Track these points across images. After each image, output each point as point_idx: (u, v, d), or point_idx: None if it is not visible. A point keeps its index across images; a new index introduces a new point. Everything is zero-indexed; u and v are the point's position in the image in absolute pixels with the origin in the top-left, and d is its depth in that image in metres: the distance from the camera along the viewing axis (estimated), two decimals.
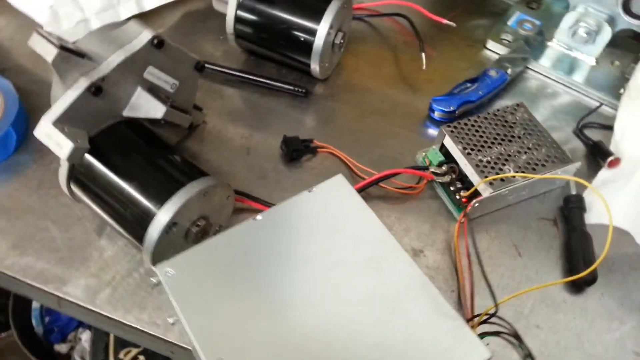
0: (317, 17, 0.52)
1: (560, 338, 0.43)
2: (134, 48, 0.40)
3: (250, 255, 0.35)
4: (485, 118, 0.51)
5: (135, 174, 0.40)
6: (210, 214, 0.42)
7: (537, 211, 0.50)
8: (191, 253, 0.35)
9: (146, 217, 0.38)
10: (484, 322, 0.37)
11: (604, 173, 0.52)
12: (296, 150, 0.51)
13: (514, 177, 0.46)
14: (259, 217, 0.37)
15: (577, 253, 0.46)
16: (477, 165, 0.48)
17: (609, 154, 0.52)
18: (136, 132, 0.43)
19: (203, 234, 0.41)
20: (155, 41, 0.41)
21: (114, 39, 0.41)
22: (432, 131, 0.56)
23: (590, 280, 0.44)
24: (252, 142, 0.53)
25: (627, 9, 0.56)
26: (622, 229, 0.47)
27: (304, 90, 0.56)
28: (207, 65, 0.52)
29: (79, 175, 0.41)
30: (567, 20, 0.60)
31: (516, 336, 0.38)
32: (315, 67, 0.54)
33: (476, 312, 0.42)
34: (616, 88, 0.59)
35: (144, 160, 0.42)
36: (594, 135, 0.56)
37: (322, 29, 0.52)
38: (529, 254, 0.47)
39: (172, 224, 0.38)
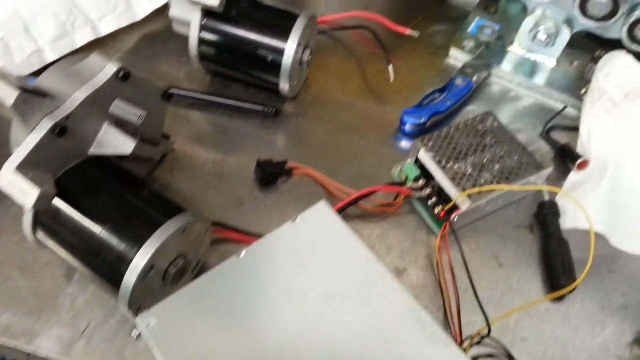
0: (284, 35, 0.51)
1: (547, 348, 0.43)
2: (98, 82, 0.38)
3: (235, 296, 0.34)
4: (457, 129, 0.52)
5: (106, 215, 0.38)
6: (188, 251, 0.40)
7: (512, 219, 0.51)
8: (173, 300, 0.34)
9: (121, 263, 0.36)
10: (477, 343, 0.37)
11: (573, 175, 0.53)
12: (271, 174, 0.50)
13: (492, 190, 0.47)
14: (242, 254, 0.36)
15: (556, 260, 0.47)
16: (454, 178, 0.48)
17: (577, 156, 0.53)
18: (104, 170, 0.41)
19: (182, 273, 0.40)
20: (121, 74, 0.39)
21: (76, 74, 0.39)
22: (405, 143, 0.56)
23: (566, 286, 0.45)
24: (224, 167, 0.52)
25: (584, 10, 0.57)
26: (596, 232, 0.48)
27: (273, 110, 0.55)
28: (172, 91, 0.51)
29: (45, 220, 0.39)
30: (527, 23, 0.61)
31: (510, 357, 0.38)
32: (284, 86, 0.53)
33: (464, 328, 0.42)
34: (577, 89, 0.61)
35: (114, 199, 0.40)
36: (560, 137, 0.58)
37: (290, 47, 0.51)
38: (509, 264, 0.48)
39: (149, 268, 0.36)
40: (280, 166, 0.51)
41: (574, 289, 0.45)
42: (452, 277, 0.45)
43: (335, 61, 0.62)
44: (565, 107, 0.59)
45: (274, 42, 0.51)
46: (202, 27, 0.52)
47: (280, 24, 0.52)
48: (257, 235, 0.46)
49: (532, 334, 0.44)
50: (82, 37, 0.56)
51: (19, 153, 0.35)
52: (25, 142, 0.36)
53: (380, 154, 0.55)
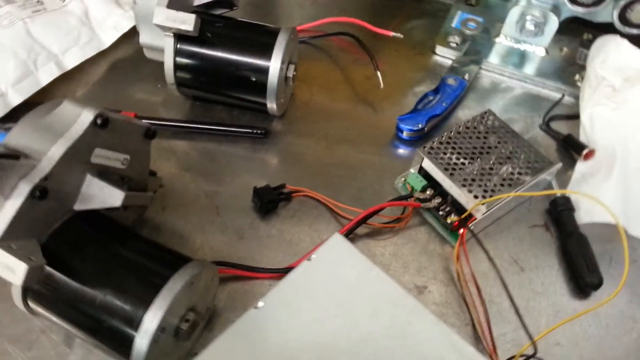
0: (267, 53, 0.48)
1: (582, 351, 0.42)
2: (75, 134, 0.34)
3: (260, 352, 0.31)
4: (459, 132, 0.49)
5: (104, 278, 0.35)
6: (198, 302, 0.37)
7: (526, 218, 0.49)
8: None
9: (129, 328, 0.33)
10: None
11: (580, 166, 0.52)
12: (271, 201, 0.47)
13: (508, 196, 0.44)
14: (260, 304, 0.33)
15: (578, 259, 0.45)
16: (464, 185, 0.45)
17: (583, 146, 0.52)
18: (93, 225, 0.37)
19: (194, 328, 0.36)
20: (99, 121, 0.35)
21: (48, 127, 0.35)
22: (403, 151, 0.54)
23: (597, 284, 0.44)
24: (219, 199, 0.49)
25: None
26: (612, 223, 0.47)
27: (262, 131, 0.52)
28: (152, 122, 0.47)
29: (37, 289, 0.35)
30: (513, 15, 0.59)
31: None
32: (272, 105, 0.50)
33: (497, 342, 0.40)
34: (570, 75, 0.59)
35: (110, 258, 0.36)
36: (559, 127, 0.56)
37: (274, 66, 0.48)
38: (530, 267, 0.46)
39: (160, 330, 0.33)
40: (279, 191, 0.48)
41: (599, 285, 0.43)
42: (477, 289, 0.43)
43: (319, 71, 0.59)
44: (563, 96, 0.58)
45: (257, 62, 0.48)
46: (177, 53, 0.49)
47: (261, 42, 0.48)
48: (265, 270, 0.43)
49: (565, 338, 0.42)
50: (47, 75, 0.52)
51: None
52: (3, 212, 0.32)
53: (379, 165, 0.52)
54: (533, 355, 0.35)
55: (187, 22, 0.45)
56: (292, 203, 0.49)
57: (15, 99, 0.49)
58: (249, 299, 0.42)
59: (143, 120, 0.44)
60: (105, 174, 0.38)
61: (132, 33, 0.59)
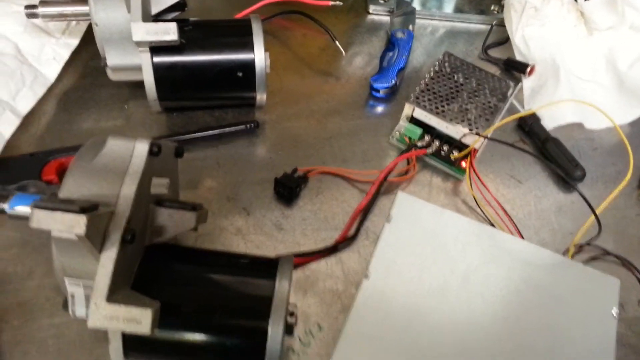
0: (248, 46, 0.48)
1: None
2: (138, 168, 0.33)
3: (391, 312, 0.34)
4: (432, 78, 0.54)
5: (211, 303, 0.34)
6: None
7: (505, 138, 0.56)
8: (345, 345, 0.32)
9: (256, 341, 0.33)
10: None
11: (527, 82, 0.59)
12: (296, 187, 0.48)
13: (501, 124, 0.50)
14: (369, 272, 0.35)
15: (561, 158, 0.53)
16: (458, 123, 0.50)
17: (525, 64, 0.59)
18: (168, 256, 0.36)
19: (296, 320, 0.38)
20: (155, 149, 0.34)
21: (105, 169, 0.33)
22: (381, 109, 0.58)
23: (582, 175, 0.52)
24: (242, 200, 0.49)
25: None
26: (572, 122, 0.56)
27: (255, 124, 0.52)
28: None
29: (136, 340, 0.34)
30: None
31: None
32: (262, 96, 0.51)
33: None
34: (487, 7, 0.67)
35: (207, 283, 0.35)
36: (493, 54, 0.63)
37: (259, 56, 0.48)
38: (525, 177, 0.53)
39: (284, 331, 0.34)
40: (296, 175, 0.49)
41: (583, 176, 0.52)
42: (503, 210, 0.48)
43: (276, 55, 0.60)
44: (492, 26, 0.65)
45: (241, 56, 0.48)
46: (156, 67, 0.47)
47: (238, 35, 0.48)
48: (325, 250, 0.45)
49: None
50: (8, 126, 0.47)
51: (101, 282, 0.30)
52: (101, 267, 0.30)
53: (369, 126, 0.55)
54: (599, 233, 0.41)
55: (170, 31, 0.43)
56: (310, 183, 0.50)
57: None
58: (311, 282, 0.44)
59: None
60: (162, 203, 0.36)
61: (71, 60, 0.54)
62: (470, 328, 0.34)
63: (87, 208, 0.29)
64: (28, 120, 0.50)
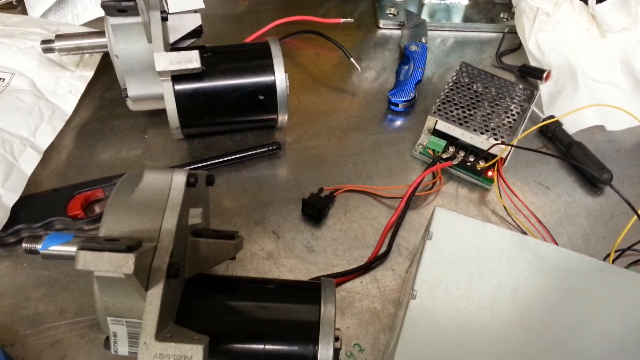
0: (269, 68, 0.48)
1: None
2: (177, 201, 0.32)
3: (441, 333, 0.33)
4: (451, 89, 0.54)
5: (261, 333, 0.33)
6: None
7: (528, 145, 0.55)
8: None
9: None
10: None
11: (544, 88, 0.59)
12: (324, 207, 0.48)
13: (526, 133, 0.50)
14: (415, 292, 0.34)
15: (586, 162, 0.52)
16: (482, 133, 0.50)
17: (542, 70, 0.59)
18: (208, 288, 0.35)
19: (341, 343, 0.37)
20: (192, 180, 0.33)
21: (144, 204, 0.32)
22: (400, 122, 0.57)
23: (610, 178, 0.51)
24: (270, 223, 0.48)
25: None
26: (594, 125, 0.55)
27: (277, 145, 0.52)
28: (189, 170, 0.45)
29: None
30: None
31: None
32: (283, 118, 0.50)
33: None
34: (497, 15, 0.67)
35: (254, 313, 0.34)
36: (506, 61, 0.63)
37: (280, 78, 0.48)
38: (552, 184, 0.52)
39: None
40: (322, 195, 0.49)
41: (610, 179, 0.51)
42: (536, 218, 0.48)
43: (291, 75, 0.59)
44: (505, 34, 0.65)
45: (262, 79, 0.48)
46: (178, 96, 0.46)
47: (258, 58, 0.48)
48: (359, 269, 0.44)
49: None
50: (29, 162, 0.46)
51: (149, 321, 0.29)
52: (148, 305, 0.29)
53: (390, 140, 0.55)
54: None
55: (192, 60, 0.43)
56: (337, 202, 0.50)
57: (10, 199, 0.43)
58: (348, 302, 0.43)
59: None
60: (196, 232, 0.36)
61: (86, 92, 0.54)
62: (524, 342, 0.33)
63: (133, 246, 0.28)
64: (48, 155, 0.49)
